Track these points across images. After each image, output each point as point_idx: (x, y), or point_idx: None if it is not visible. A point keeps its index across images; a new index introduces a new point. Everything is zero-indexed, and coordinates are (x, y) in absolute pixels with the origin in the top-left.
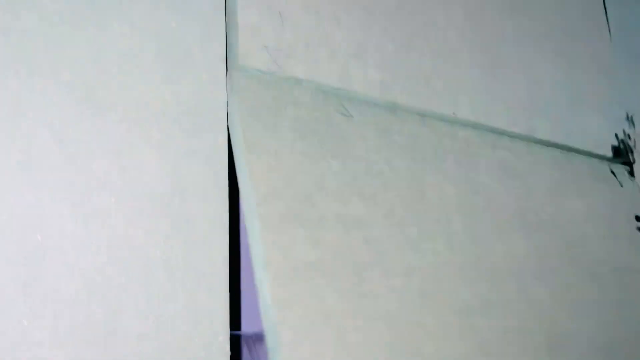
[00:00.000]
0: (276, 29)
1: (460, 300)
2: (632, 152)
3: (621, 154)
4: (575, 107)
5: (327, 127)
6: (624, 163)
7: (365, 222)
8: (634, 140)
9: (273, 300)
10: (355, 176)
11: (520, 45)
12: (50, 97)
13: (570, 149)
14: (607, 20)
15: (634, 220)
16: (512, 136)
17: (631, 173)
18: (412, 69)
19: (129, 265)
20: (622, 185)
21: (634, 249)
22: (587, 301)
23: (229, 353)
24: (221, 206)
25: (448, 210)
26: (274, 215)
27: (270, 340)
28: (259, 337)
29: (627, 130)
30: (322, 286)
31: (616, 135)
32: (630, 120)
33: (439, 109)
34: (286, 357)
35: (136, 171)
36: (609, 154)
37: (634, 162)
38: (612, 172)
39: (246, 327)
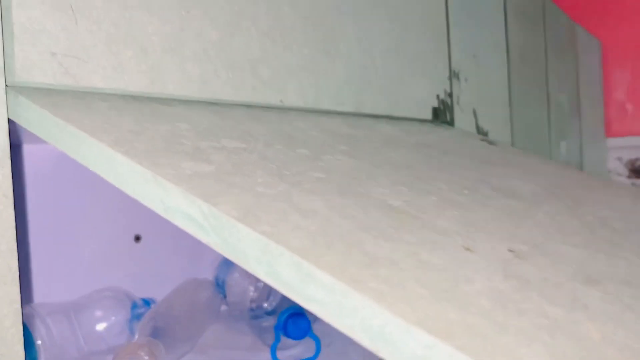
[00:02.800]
0: (68, 29)
1: None
2: (451, 111)
3: (439, 115)
4: (402, 75)
5: (159, 116)
6: (443, 122)
7: None
8: (458, 96)
9: None
10: None
11: (356, 13)
12: None
13: (392, 118)
14: None
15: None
16: (339, 114)
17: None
18: (237, 57)
19: None
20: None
21: None
22: None
23: (22, 337)
24: (8, 254)
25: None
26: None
27: None
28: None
29: (450, 89)
30: None
31: (437, 96)
32: (456, 76)
33: (265, 99)
34: None
35: None
36: (429, 116)
37: (450, 121)
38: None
39: (40, 298)
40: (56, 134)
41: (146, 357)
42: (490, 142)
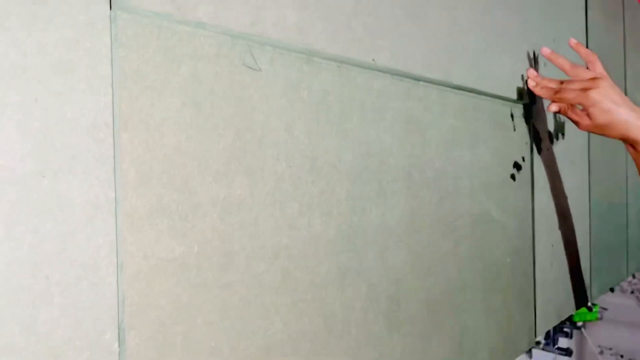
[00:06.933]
0: None
1: (319, 274)
2: (530, 92)
3: (523, 95)
4: (488, 49)
5: (227, 88)
6: (525, 103)
7: (245, 204)
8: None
9: (125, 306)
10: (245, 150)
11: None
12: None
13: (479, 93)
14: None
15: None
16: (428, 82)
17: (527, 114)
18: (332, 9)
19: None
20: (515, 130)
21: (501, 197)
22: (443, 255)
23: (117, 351)
24: (106, 184)
25: (336, 177)
26: (140, 208)
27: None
28: None
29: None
30: (182, 283)
31: (522, 76)
32: (534, 59)
33: (358, 55)
34: None
35: None
36: (514, 96)
37: (531, 102)
38: (512, 115)
39: None
40: None
41: None
42: (513, 178)
